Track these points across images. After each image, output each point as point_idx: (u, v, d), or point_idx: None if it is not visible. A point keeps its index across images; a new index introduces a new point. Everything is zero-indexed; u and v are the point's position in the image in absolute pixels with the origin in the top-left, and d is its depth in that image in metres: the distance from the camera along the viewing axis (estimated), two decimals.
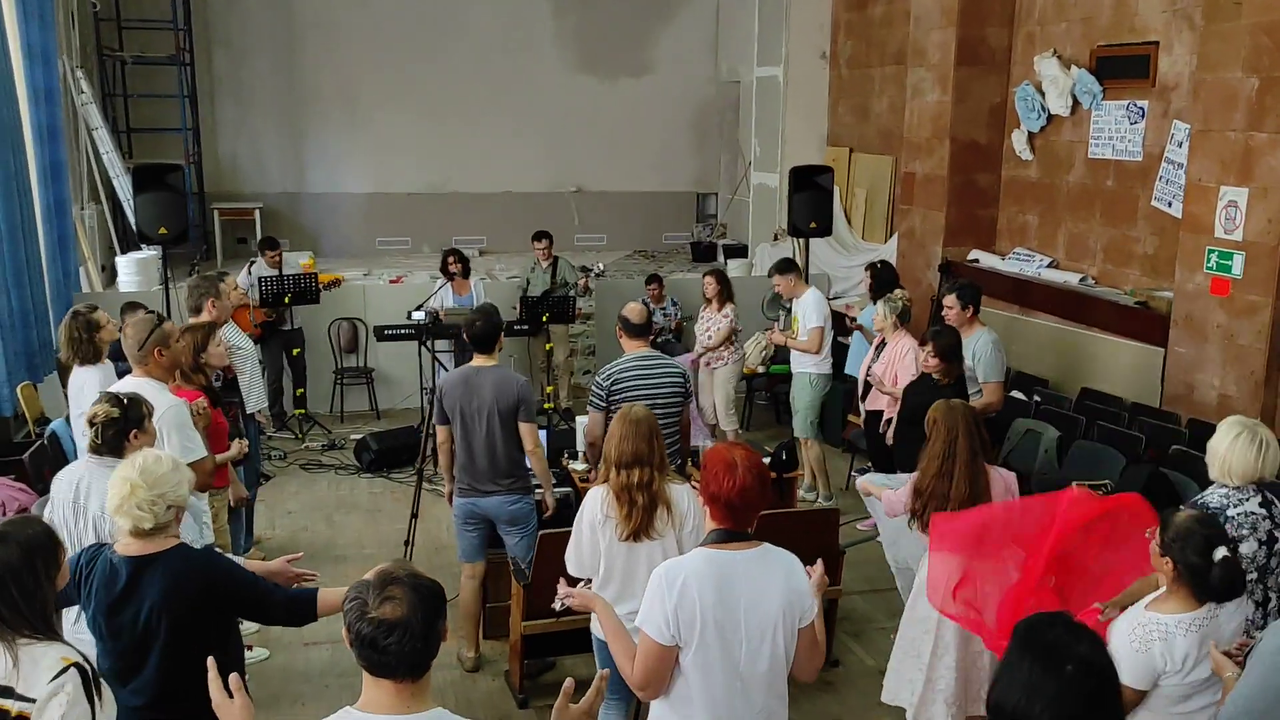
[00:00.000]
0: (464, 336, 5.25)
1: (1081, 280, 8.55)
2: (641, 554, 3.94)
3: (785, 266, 7.86)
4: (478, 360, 5.19)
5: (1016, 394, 7.87)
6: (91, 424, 3.63)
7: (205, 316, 5.68)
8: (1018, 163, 9.35)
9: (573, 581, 3.60)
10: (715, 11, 15.07)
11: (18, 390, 7.36)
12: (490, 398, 5.07)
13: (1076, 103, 8.58)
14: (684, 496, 4.07)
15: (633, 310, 5.58)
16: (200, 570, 3.20)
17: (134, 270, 10.84)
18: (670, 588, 2.89)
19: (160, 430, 4.25)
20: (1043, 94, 8.85)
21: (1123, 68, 8.20)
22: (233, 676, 2.46)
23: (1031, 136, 9.13)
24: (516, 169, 14.59)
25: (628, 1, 14.75)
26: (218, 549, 4.62)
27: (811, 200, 10.12)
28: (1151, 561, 3.29)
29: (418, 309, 8.38)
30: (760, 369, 9.40)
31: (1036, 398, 7.82)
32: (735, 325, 8.33)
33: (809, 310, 7.66)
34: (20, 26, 8.67)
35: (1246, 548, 3.64)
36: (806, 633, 3.03)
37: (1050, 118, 8.89)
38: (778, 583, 2.98)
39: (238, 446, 5.20)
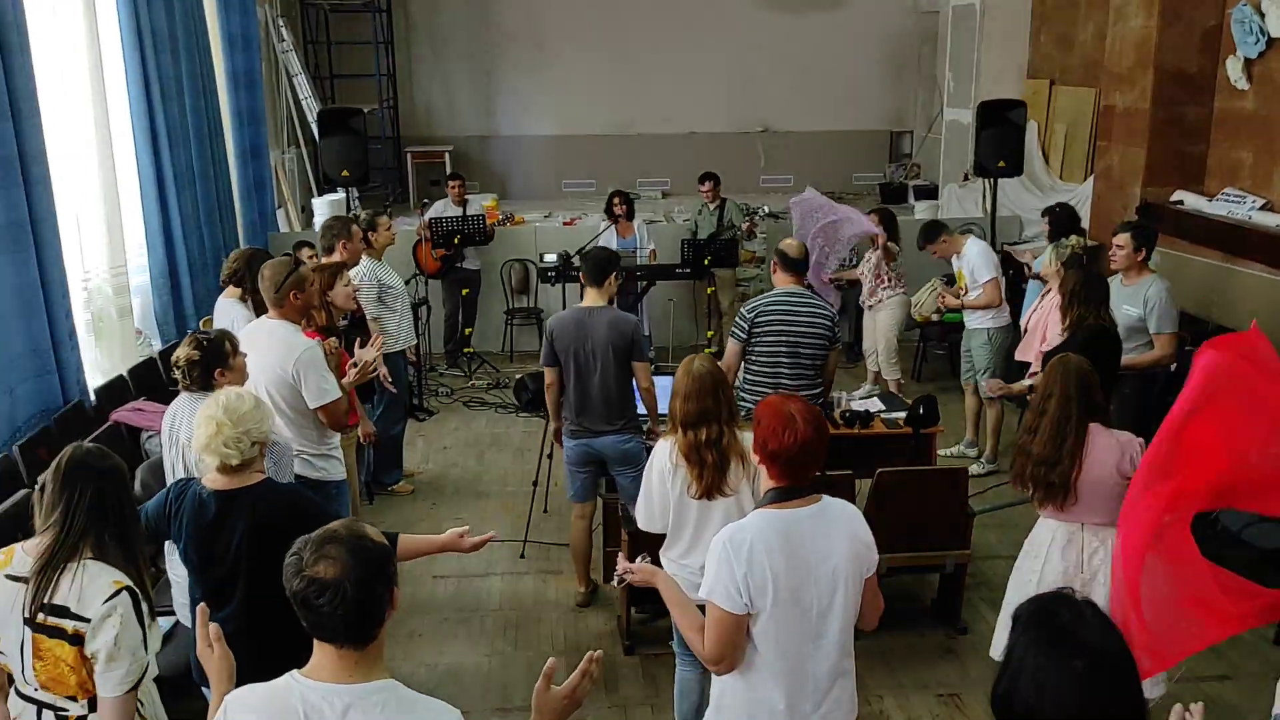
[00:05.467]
0: (583, 272, 5.28)
1: None
2: (715, 511, 3.80)
3: (931, 234, 7.44)
4: (589, 299, 5.17)
5: None
6: (176, 366, 3.76)
7: (337, 257, 5.85)
8: (1232, 93, 8.39)
9: (631, 555, 3.51)
10: None
11: (200, 324, 7.86)
12: (605, 338, 5.06)
13: None
14: None
15: (791, 245, 5.47)
16: (284, 505, 3.28)
17: (327, 211, 11.31)
18: (737, 555, 2.77)
19: (297, 372, 4.43)
20: (1262, 15, 7.86)
21: None
22: (213, 627, 2.45)
23: (1249, 63, 8.14)
24: (702, 109, 14.37)
25: None
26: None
27: (1001, 137, 9.48)
28: None
29: (558, 253, 8.42)
30: (934, 317, 8.93)
31: None
32: (881, 261, 8.09)
33: (977, 264, 7.18)
34: None
35: None
36: (871, 582, 2.93)
37: (1270, 42, 7.89)
38: (843, 537, 2.87)
39: (358, 371, 4.87)
